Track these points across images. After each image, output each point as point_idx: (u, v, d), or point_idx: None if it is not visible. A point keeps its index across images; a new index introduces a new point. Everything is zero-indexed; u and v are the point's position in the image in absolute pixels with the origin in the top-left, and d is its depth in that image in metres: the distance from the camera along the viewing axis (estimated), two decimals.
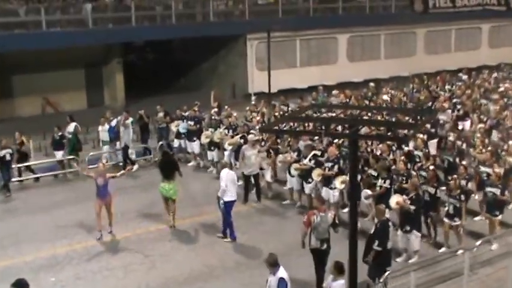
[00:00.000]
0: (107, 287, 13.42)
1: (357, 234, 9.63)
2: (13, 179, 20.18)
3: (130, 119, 21.76)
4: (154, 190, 17.26)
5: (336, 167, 15.82)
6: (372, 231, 11.82)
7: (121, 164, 21.32)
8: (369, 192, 14.83)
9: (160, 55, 39.93)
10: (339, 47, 36.26)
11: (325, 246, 12.11)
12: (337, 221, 12.10)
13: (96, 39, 29.72)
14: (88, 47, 30.84)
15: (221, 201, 15.30)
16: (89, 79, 32.50)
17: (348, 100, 24.84)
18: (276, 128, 14.63)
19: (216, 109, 22.96)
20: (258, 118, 21.43)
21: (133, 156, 22.09)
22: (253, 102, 24.96)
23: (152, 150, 22.61)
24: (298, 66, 34.97)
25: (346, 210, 16.01)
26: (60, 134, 21.25)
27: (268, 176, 18.27)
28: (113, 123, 21.71)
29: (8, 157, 19.36)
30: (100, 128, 22.26)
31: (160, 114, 22.82)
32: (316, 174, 16.13)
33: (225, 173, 15.45)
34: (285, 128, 18.16)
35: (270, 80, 27.66)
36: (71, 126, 21.61)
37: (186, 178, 18.29)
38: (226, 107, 23.20)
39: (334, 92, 25.61)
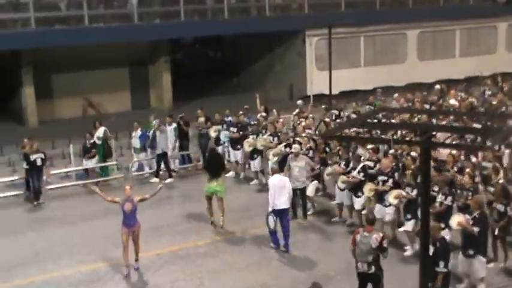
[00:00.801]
0: None
1: (427, 258, 9.53)
2: (50, 186, 20.68)
3: (174, 125, 22.18)
4: (197, 201, 18.18)
5: (391, 181, 15.59)
6: (431, 252, 11.43)
7: (158, 172, 21.69)
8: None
9: (211, 53, 40.44)
10: (408, 44, 35.96)
11: (372, 269, 11.97)
12: (385, 245, 11.83)
13: (142, 35, 30.28)
14: (133, 44, 31.48)
15: (270, 217, 15.41)
16: (133, 79, 33.21)
17: (410, 105, 24.41)
18: (339, 134, 14.42)
19: (263, 113, 22.87)
20: (304, 124, 21.23)
21: (176, 164, 22.36)
22: (299, 104, 24.56)
23: (192, 159, 22.85)
24: (362, 65, 34.85)
25: (402, 229, 15.72)
26: (92, 141, 21.60)
27: (309, 190, 17.91)
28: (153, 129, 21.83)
29: (38, 162, 19.77)
30: (133, 133, 22.48)
31: (201, 119, 22.96)
32: (367, 190, 15.95)
33: (275, 179, 15.69)
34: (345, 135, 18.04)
35: (330, 80, 27.68)
36: (100, 131, 21.93)
37: (229, 190, 18.52)
38: (274, 110, 23.08)
39: (395, 95, 25.34)
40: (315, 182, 18.05)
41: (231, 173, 21.73)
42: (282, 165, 17.75)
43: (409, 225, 15.15)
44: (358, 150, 17.92)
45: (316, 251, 15.88)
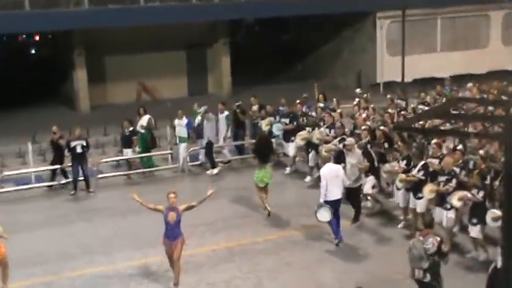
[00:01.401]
0: None
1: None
2: (100, 175, 21.23)
3: (226, 113, 22.21)
4: (252, 195, 18.50)
5: (454, 181, 15.21)
6: (499, 264, 11.19)
7: (204, 163, 21.88)
8: (498, 212, 13.86)
9: (274, 36, 40.37)
10: (491, 27, 35.24)
11: (428, 278, 11.81)
12: (444, 249, 11.67)
13: (200, 15, 30.53)
14: (190, 25, 31.74)
15: (321, 209, 15.62)
16: (190, 62, 33.61)
17: (484, 96, 23.47)
18: (415, 126, 14.18)
19: (321, 104, 22.63)
20: (364, 115, 20.91)
21: (227, 155, 22.55)
22: (358, 92, 24.33)
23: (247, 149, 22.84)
24: (438, 50, 34.44)
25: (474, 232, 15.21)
26: (131, 129, 21.75)
27: (366, 187, 17.81)
28: (198, 117, 21.90)
29: (78, 149, 20.11)
30: (176, 121, 22.31)
31: (255, 108, 22.98)
32: (427, 191, 15.59)
33: (326, 169, 16.00)
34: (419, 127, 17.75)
35: (403, 67, 27.39)
36: (144, 120, 22.04)
37: (285, 185, 19.02)
38: (334, 100, 22.85)
39: (469, 85, 24.65)
40: (371, 177, 17.82)
41: (288, 169, 21.71)
42: (337, 162, 17.51)
43: (474, 231, 14.82)
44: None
45: (377, 253, 15.81)
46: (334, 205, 15.75)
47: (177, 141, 22.45)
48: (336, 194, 15.80)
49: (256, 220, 17.83)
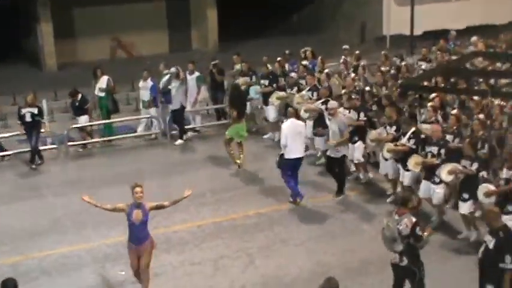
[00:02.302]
0: (190, 287, 13.69)
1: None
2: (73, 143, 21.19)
3: (197, 74, 22.02)
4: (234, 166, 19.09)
5: (443, 151, 15.08)
6: (491, 245, 11.09)
7: (172, 132, 21.76)
8: (491, 187, 13.80)
9: None
10: None
11: (405, 262, 11.53)
12: (418, 232, 11.26)
13: None
14: None
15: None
16: (171, 15, 33.53)
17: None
18: (424, 84, 14.14)
19: (305, 62, 22.45)
20: (353, 75, 20.76)
21: (196, 122, 22.52)
22: (345, 49, 24.12)
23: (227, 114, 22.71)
24: None
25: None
26: (80, 97, 21.43)
27: (356, 155, 17.83)
28: (165, 78, 21.58)
29: (28, 118, 19.90)
30: (141, 83, 22.23)
31: (237, 67, 22.80)
32: (413, 163, 15.49)
33: (287, 125, 16.56)
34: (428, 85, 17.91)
35: (413, 18, 27.54)
36: (103, 81, 21.86)
37: (268, 154, 19.37)
38: (319, 58, 22.70)
39: (473, 39, 24.49)
40: (359, 142, 17.64)
41: (269, 135, 21.73)
42: (317, 125, 17.88)
43: (465, 207, 14.61)
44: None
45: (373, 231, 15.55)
46: (294, 164, 16.40)
47: (140, 106, 22.40)
48: (297, 151, 16.40)
49: (246, 192, 17.89)
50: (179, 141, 21.60)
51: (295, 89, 20.31)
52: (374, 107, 18.32)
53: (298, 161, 16.61)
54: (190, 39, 34.17)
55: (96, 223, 16.00)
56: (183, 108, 21.51)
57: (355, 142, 17.54)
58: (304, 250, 14.94)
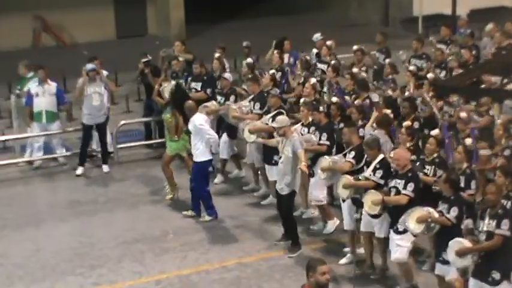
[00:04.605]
0: None
1: None
2: None
3: (105, 73, 18.69)
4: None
5: (411, 187, 12.37)
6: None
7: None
8: (466, 244, 11.36)
9: None
10: None
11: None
12: None
13: None
14: None
15: None
16: None
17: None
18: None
19: (248, 60, 19.18)
20: (313, 80, 17.20)
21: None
22: (316, 39, 20.49)
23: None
24: None
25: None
26: None
27: (316, 192, 15.01)
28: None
29: None
30: (35, 87, 18.51)
31: (181, 58, 19.66)
32: (368, 203, 12.83)
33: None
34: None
35: None
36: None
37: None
38: (270, 52, 20.02)
39: (488, 27, 21.47)
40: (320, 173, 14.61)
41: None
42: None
43: (444, 270, 12.00)
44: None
45: None
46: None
47: (35, 120, 18.56)
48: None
49: (221, 235, 15.23)
50: (105, 168, 18.35)
51: (232, 98, 17.51)
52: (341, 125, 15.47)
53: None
54: (146, 21, 31.27)
55: None
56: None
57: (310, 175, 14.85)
58: None
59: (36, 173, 18.48)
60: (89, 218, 15.99)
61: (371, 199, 12.76)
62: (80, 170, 18.05)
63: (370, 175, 13.09)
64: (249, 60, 19.15)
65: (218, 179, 17.62)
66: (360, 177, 13.34)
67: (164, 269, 13.74)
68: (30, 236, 14.80)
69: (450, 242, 11.39)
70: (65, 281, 13.31)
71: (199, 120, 15.12)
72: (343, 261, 13.87)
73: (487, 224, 11.11)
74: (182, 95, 17.06)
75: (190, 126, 15.28)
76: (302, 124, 15.25)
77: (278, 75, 18.49)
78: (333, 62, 18.58)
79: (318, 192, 14.78)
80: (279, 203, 14.53)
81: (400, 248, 12.51)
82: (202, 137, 15.06)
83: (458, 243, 11.31)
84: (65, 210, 16.39)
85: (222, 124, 17.45)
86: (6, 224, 15.41)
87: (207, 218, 15.36)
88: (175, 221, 15.78)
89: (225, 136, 17.16)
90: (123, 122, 19.01)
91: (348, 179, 13.37)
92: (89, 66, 18.00)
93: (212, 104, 16.52)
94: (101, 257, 13.78)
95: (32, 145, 18.71)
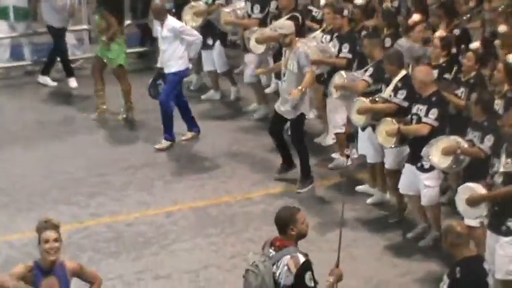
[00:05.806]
0: None
1: None
2: None
3: None
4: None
5: (435, 113, 10.90)
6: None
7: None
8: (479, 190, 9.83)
9: None
10: None
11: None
12: (310, 283, 7.72)
13: None
14: None
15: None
16: None
17: None
18: None
19: None
20: None
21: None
22: None
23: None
24: None
25: None
26: None
27: (336, 119, 13.32)
28: None
29: None
30: None
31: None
32: (383, 133, 11.40)
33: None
34: None
35: None
36: None
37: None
38: None
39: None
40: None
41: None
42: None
43: (472, 213, 10.21)
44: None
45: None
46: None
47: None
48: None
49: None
50: (71, 83, 16.34)
51: None
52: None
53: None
54: None
55: None
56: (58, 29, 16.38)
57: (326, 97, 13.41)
58: None
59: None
60: (85, 136, 14.50)
61: (385, 129, 11.28)
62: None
63: (391, 96, 11.51)
64: None
65: (216, 95, 15.75)
66: (377, 99, 11.72)
67: (176, 199, 12.64)
68: (14, 157, 13.36)
69: (459, 188, 10.06)
70: (56, 210, 11.75)
71: (177, 23, 13.40)
72: (369, 200, 12.48)
73: (504, 164, 9.50)
74: None
75: (163, 33, 13.33)
76: (323, 30, 13.38)
77: None
78: None
79: (336, 117, 13.13)
80: (273, 124, 12.91)
81: (429, 189, 11.07)
82: (182, 41, 13.25)
83: (468, 189, 9.87)
84: (58, 127, 14.89)
85: (213, 31, 14.99)
86: None
87: (164, 143, 13.50)
88: (190, 145, 14.28)
89: (218, 45, 15.01)
90: None
91: (364, 101, 11.78)
92: None
93: (199, 4, 14.53)
94: (100, 183, 12.51)
95: None
